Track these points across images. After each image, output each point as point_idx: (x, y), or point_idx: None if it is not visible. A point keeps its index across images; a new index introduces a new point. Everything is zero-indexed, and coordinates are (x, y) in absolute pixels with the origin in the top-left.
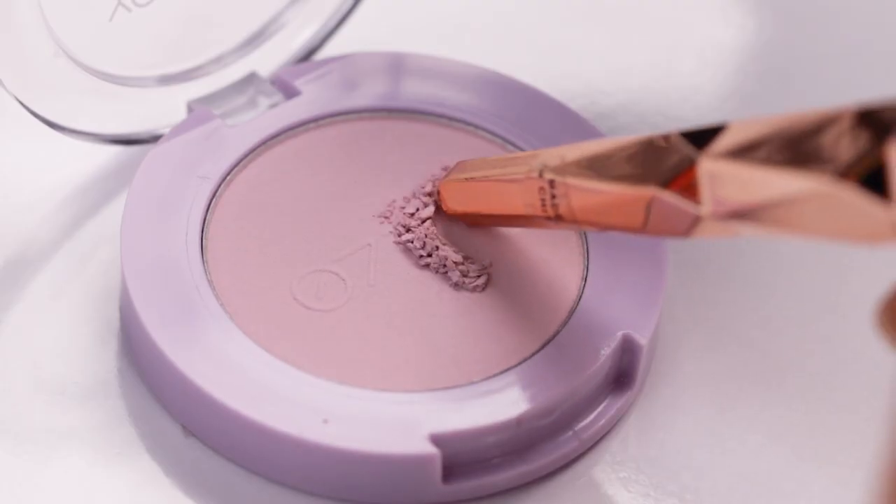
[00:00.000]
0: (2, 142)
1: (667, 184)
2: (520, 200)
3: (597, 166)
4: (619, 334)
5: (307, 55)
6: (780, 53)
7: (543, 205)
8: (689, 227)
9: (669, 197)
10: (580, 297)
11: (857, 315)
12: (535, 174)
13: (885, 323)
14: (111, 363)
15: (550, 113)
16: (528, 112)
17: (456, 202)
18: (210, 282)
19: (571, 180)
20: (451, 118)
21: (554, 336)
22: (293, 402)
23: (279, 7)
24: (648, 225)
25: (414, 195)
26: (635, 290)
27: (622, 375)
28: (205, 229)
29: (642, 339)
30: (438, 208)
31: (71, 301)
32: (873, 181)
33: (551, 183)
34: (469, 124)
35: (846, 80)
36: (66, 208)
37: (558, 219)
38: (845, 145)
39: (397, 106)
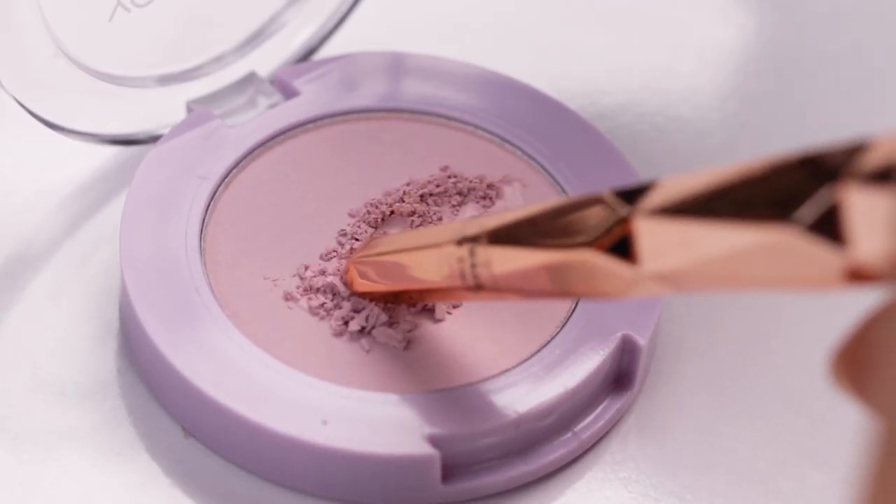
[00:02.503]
0: (2, 142)
1: (598, 245)
2: (437, 273)
3: (521, 232)
4: (619, 335)
5: (307, 55)
6: (780, 53)
7: (463, 275)
8: (624, 288)
9: (601, 259)
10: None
11: (858, 315)
12: (454, 244)
13: (839, 374)
14: (111, 363)
15: (550, 113)
16: (528, 112)
17: (367, 281)
18: (209, 282)
19: (494, 248)
20: (451, 118)
21: (553, 337)
22: (292, 403)
23: (279, 7)
24: (580, 289)
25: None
26: None
27: (622, 376)
28: (204, 229)
29: (642, 340)
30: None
31: (71, 301)
32: (821, 226)
33: (471, 252)
34: (469, 124)
35: (846, 81)
36: (66, 208)
37: (479, 288)
38: (786, 193)
39: (397, 106)
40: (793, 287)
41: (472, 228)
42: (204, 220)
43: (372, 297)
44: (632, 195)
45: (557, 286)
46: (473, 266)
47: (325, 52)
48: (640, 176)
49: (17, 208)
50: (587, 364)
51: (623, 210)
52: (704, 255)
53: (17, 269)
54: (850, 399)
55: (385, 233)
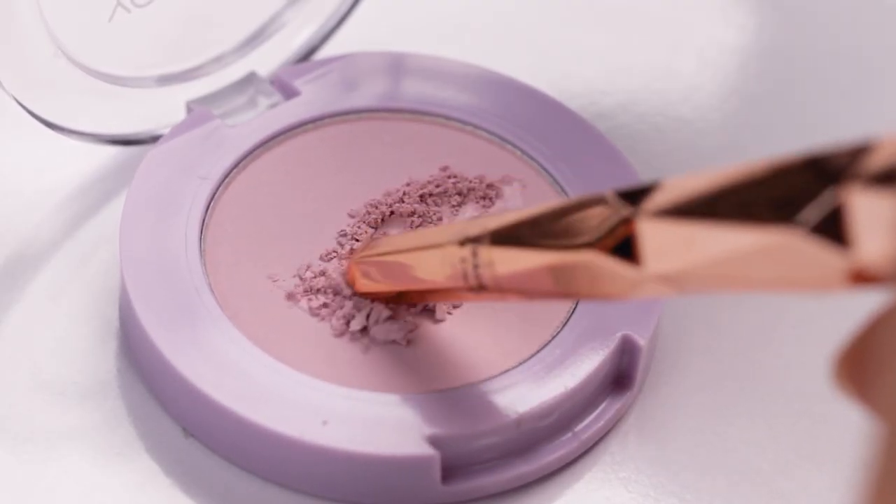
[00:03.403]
0: (2, 142)
1: (600, 246)
2: (440, 273)
3: (523, 233)
4: (619, 335)
5: (307, 55)
6: (780, 53)
7: (465, 276)
8: (627, 289)
9: (604, 260)
10: None
11: (858, 314)
12: (456, 245)
13: (841, 377)
14: (111, 363)
15: (550, 113)
16: (528, 112)
17: (369, 281)
18: (209, 283)
19: (496, 249)
20: (451, 118)
21: (553, 337)
22: (293, 404)
23: (279, 7)
24: (583, 290)
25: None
26: None
27: (621, 376)
28: (204, 230)
29: (642, 340)
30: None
31: (71, 301)
32: (825, 228)
33: (474, 252)
34: (469, 124)
35: (846, 81)
36: (66, 208)
37: (481, 289)
38: (790, 195)
39: (397, 106)
40: (796, 289)
41: (475, 229)
42: (204, 220)
43: (374, 297)
44: (634, 196)
45: (560, 287)
46: (476, 267)
47: (325, 52)
48: (641, 176)
49: (17, 208)
50: (587, 364)
51: (626, 211)
52: (708, 256)
53: (17, 269)
54: (853, 402)
55: (385, 233)
